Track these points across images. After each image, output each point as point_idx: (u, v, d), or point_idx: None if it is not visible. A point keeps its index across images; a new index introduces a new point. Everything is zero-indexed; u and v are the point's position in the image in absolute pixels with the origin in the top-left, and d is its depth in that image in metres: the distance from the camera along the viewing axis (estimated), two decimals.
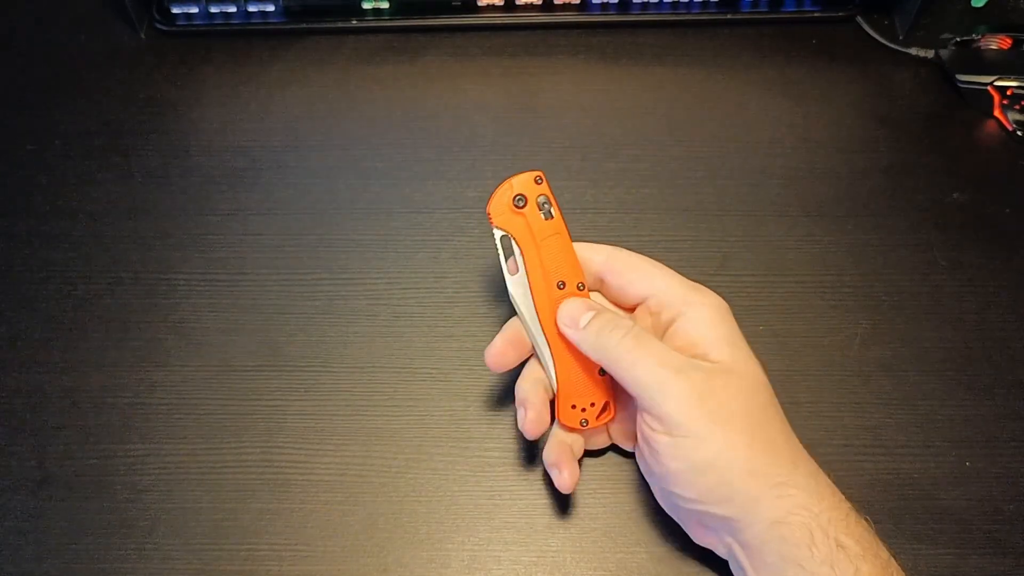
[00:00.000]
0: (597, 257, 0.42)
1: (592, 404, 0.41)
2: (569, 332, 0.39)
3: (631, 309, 0.42)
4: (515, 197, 0.41)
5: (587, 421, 0.41)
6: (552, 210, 0.41)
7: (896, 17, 0.63)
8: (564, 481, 0.40)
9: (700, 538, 0.39)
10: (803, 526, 0.34)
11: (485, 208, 0.41)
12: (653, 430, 0.36)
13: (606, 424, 0.42)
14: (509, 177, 0.41)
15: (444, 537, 0.42)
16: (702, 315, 0.39)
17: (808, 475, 0.36)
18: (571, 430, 0.41)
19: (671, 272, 0.41)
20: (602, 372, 0.41)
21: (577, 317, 0.39)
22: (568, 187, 0.54)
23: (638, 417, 0.38)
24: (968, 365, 0.47)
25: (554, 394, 0.41)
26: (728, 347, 0.38)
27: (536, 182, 0.41)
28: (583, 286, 0.41)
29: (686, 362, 0.37)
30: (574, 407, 0.41)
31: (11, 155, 0.57)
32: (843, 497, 0.36)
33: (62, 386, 0.47)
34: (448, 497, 0.43)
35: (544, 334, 0.41)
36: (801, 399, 0.45)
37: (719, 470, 0.35)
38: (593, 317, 0.39)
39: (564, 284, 0.41)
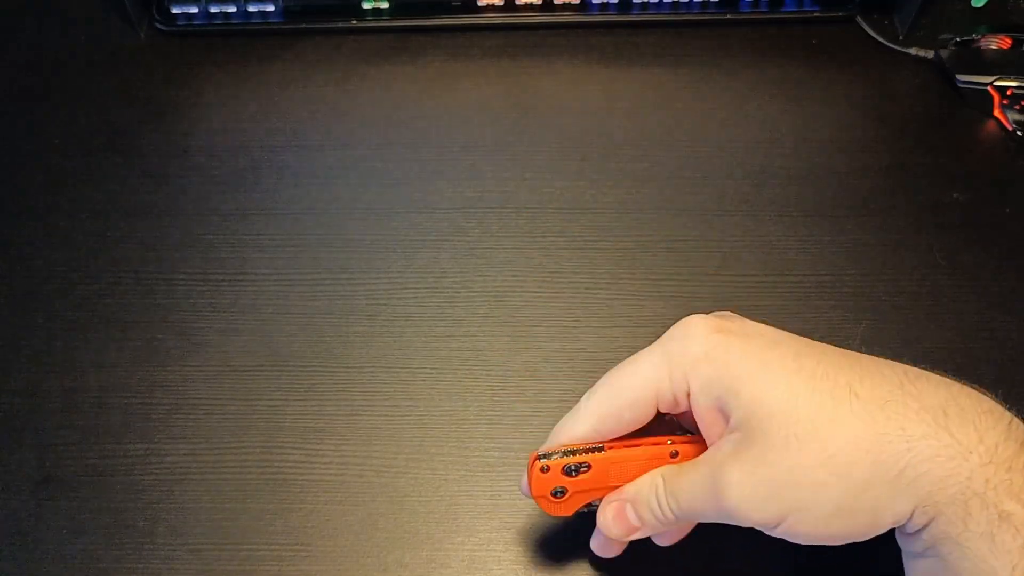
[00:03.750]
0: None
1: None
2: (631, 535, 0.36)
3: None
4: (554, 491, 0.36)
5: None
6: (587, 463, 0.35)
7: (896, 17, 0.63)
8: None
9: None
10: (951, 501, 0.27)
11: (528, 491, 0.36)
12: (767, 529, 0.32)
13: None
14: (533, 472, 0.35)
15: (444, 537, 0.42)
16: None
17: (934, 426, 0.28)
18: None
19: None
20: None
21: (624, 532, 0.36)
22: (568, 187, 0.54)
23: None
24: (968, 365, 0.47)
25: None
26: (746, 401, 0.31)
27: (564, 472, 0.35)
28: None
29: (718, 456, 0.32)
30: None
31: (11, 155, 0.57)
32: (1006, 428, 0.28)
33: (62, 386, 0.46)
34: (448, 497, 0.43)
35: None
36: None
37: (842, 515, 0.30)
38: (632, 511, 0.35)
39: None
